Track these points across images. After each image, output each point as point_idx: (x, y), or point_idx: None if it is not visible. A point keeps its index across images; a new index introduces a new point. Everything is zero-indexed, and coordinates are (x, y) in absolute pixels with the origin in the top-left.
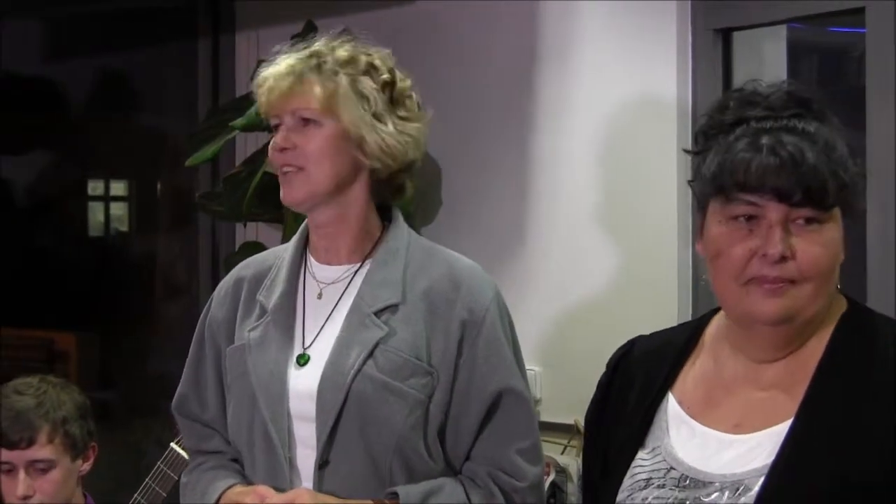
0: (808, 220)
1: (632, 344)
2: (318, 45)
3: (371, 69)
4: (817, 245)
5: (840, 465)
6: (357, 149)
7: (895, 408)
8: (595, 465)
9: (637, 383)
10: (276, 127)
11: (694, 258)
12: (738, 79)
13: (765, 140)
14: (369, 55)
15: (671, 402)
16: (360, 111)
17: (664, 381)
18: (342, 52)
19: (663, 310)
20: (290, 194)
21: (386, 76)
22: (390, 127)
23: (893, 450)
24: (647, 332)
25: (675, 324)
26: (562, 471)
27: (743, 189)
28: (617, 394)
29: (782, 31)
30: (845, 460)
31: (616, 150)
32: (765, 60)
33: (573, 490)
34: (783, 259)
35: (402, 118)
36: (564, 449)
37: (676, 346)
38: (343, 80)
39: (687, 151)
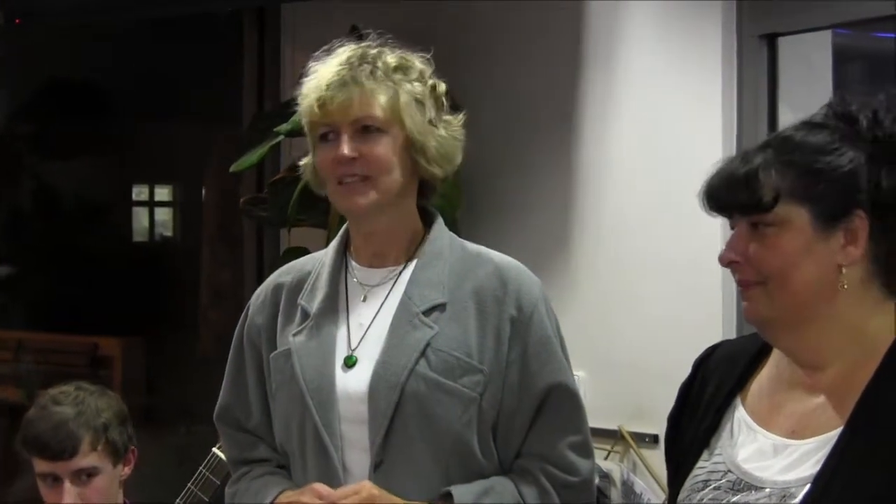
0: (755, 225)
1: (714, 348)
2: (357, 49)
3: (421, 75)
4: (765, 248)
5: (885, 478)
6: (420, 155)
7: None
8: (672, 465)
9: (711, 387)
10: (324, 136)
11: None
12: (784, 84)
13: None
14: (417, 60)
15: (738, 407)
16: (420, 118)
17: (734, 386)
18: (391, 59)
19: (708, 317)
20: (358, 203)
21: (431, 81)
22: (443, 131)
23: None
24: (691, 338)
25: (719, 331)
26: (605, 476)
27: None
28: (694, 396)
29: (828, 36)
30: (891, 474)
31: (661, 155)
32: (810, 66)
33: (616, 496)
34: (735, 262)
35: (445, 121)
36: (608, 454)
37: (750, 351)
38: (404, 86)
39: None
